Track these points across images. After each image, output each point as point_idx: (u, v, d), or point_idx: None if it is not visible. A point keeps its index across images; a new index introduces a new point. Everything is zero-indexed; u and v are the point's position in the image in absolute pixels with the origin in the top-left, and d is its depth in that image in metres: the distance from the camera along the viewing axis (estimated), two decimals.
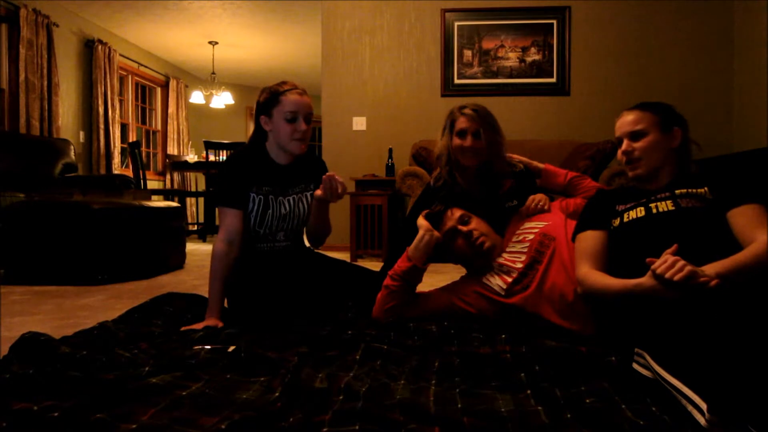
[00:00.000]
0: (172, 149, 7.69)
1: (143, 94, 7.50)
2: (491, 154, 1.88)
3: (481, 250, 1.70)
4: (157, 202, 3.58)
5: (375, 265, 2.24)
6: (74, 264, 2.89)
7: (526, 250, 1.65)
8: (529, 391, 1.09)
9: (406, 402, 1.03)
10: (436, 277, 2.41)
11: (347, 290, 1.92)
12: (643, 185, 1.54)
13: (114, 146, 6.18)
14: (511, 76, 4.69)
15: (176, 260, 3.54)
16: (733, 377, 0.87)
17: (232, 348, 1.36)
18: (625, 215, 1.46)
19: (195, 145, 8.04)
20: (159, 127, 7.78)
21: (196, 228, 6.91)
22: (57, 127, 5.29)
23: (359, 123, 4.81)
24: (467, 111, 1.88)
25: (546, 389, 1.09)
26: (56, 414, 0.95)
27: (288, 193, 1.91)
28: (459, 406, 1.02)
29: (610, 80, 4.59)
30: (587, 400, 1.04)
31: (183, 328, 1.66)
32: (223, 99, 7.59)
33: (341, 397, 1.06)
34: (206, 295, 1.87)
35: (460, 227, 1.72)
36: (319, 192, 1.84)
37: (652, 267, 1.14)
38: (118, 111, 6.35)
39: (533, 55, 4.66)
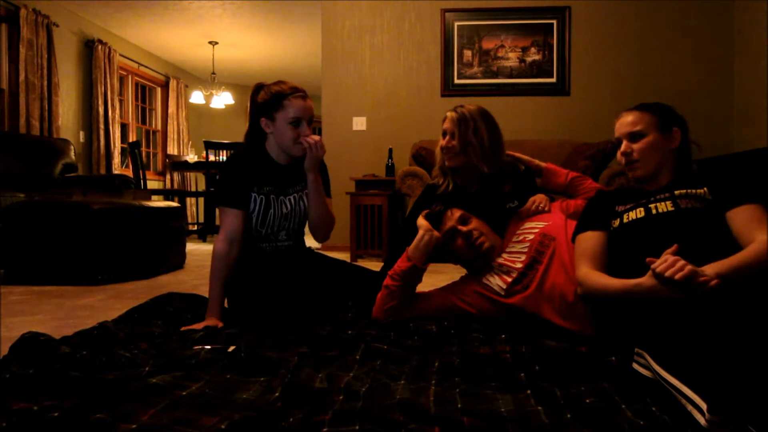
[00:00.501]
0: (172, 149, 7.69)
1: (143, 94, 7.50)
2: (468, 155, 1.87)
3: (480, 251, 1.70)
4: (157, 202, 3.58)
5: (375, 265, 2.24)
6: (74, 264, 2.89)
7: (526, 250, 1.65)
8: (529, 391, 1.09)
9: (406, 402, 1.03)
10: (436, 277, 2.41)
11: (347, 290, 1.92)
12: (643, 186, 1.54)
13: (114, 146, 6.18)
14: (511, 76, 4.69)
15: (176, 260, 3.54)
16: (733, 377, 0.87)
17: (232, 348, 1.36)
18: (625, 216, 1.46)
19: (195, 145, 8.04)
20: (159, 127, 7.78)
21: (196, 228, 6.91)
22: (57, 127, 5.29)
23: (359, 123, 4.81)
24: (449, 113, 1.92)
25: (546, 389, 1.09)
26: (56, 414, 0.95)
27: (289, 192, 1.91)
28: (459, 406, 1.02)
29: (609, 80, 4.59)
30: (587, 400, 1.04)
31: (183, 328, 1.66)
32: (223, 99, 7.59)
33: (341, 397, 1.06)
34: (206, 295, 1.87)
35: (459, 227, 1.72)
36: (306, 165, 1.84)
37: (653, 266, 1.14)
38: (118, 111, 6.35)
39: (533, 55, 4.67)
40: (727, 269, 1.16)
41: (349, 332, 1.55)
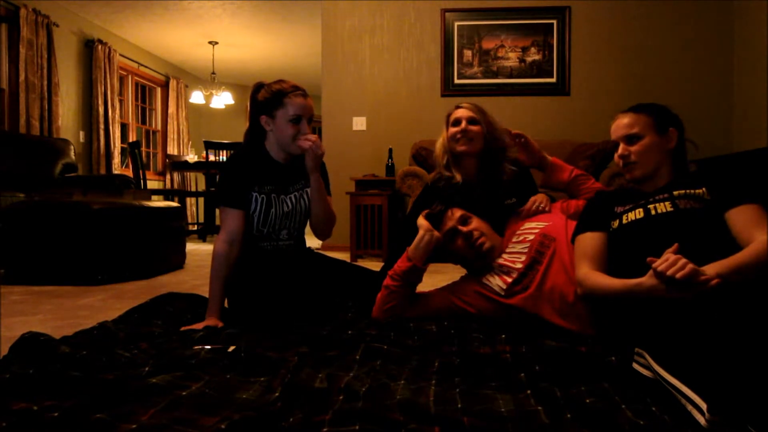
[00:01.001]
0: (172, 149, 7.69)
1: (143, 94, 7.50)
2: (489, 140, 1.95)
3: (480, 251, 1.70)
4: (157, 202, 3.58)
5: (375, 265, 2.24)
6: (74, 264, 2.89)
7: (526, 250, 1.65)
8: (529, 391, 1.09)
9: (406, 402, 1.03)
10: (436, 277, 2.41)
11: (347, 290, 1.92)
12: (641, 187, 1.54)
13: (114, 146, 6.18)
14: (511, 76, 4.69)
15: (176, 260, 3.54)
16: (733, 377, 0.87)
17: (232, 348, 1.36)
18: (624, 217, 1.46)
19: (195, 145, 8.04)
20: (159, 127, 7.78)
21: (196, 228, 6.91)
22: (57, 127, 5.29)
23: (359, 123, 4.81)
24: (463, 104, 2.01)
25: (546, 389, 1.09)
26: (56, 414, 0.95)
27: (289, 191, 1.92)
28: (459, 406, 1.02)
29: (610, 80, 4.59)
30: (587, 400, 1.03)
31: (183, 328, 1.66)
32: (223, 99, 7.59)
33: (341, 397, 1.06)
34: (206, 295, 1.87)
35: (460, 227, 1.72)
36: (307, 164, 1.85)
37: (654, 265, 1.14)
38: (118, 111, 6.35)
39: (533, 55, 4.67)
40: (727, 269, 1.16)
41: (349, 332, 1.55)
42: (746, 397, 0.85)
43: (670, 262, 1.11)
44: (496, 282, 1.67)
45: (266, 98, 1.83)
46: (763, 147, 3.85)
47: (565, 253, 1.58)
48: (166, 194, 6.48)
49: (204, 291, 1.97)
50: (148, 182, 6.65)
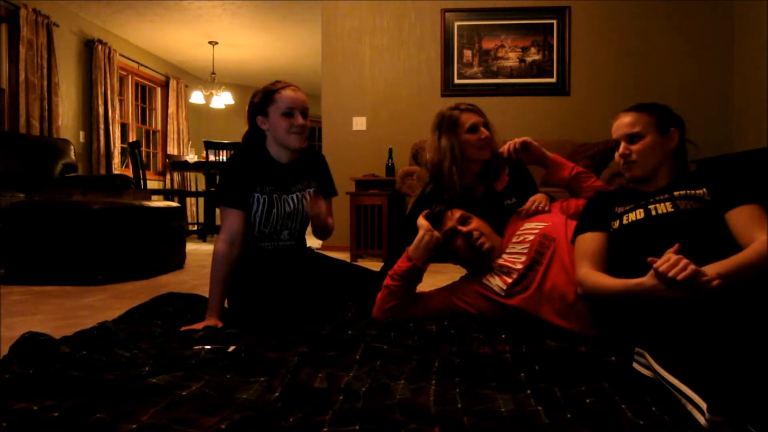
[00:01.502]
0: (172, 149, 7.69)
1: (143, 94, 7.50)
2: (493, 144, 1.91)
3: (480, 251, 1.70)
4: (157, 202, 3.58)
5: (375, 265, 2.24)
6: (74, 264, 2.89)
7: (526, 251, 1.65)
8: (529, 391, 1.09)
9: (406, 402, 1.03)
10: (436, 277, 2.41)
11: (347, 290, 1.92)
12: (642, 187, 1.54)
13: (114, 146, 6.18)
14: (511, 76, 4.69)
15: (176, 260, 3.54)
16: (734, 377, 0.87)
17: (232, 348, 1.36)
18: (625, 217, 1.46)
19: (195, 145, 8.04)
20: (159, 127, 7.78)
21: (196, 228, 6.91)
22: (57, 127, 5.29)
23: (359, 123, 4.81)
24: (468, 107, 1.90)
25: (546, 389, 1.09)
26: (56, 414, 0.95)
27: (291, 191, 1.92)
28: (459, 406, 1.02)
29: (610, 80, 4.59)
30: (587, 400, 1.04)
31: (183, 328, 1.66)
32: (223, 99, 7.59)
33: (341, 397, 1.06)
34: (206, 295, 1.87)
35: (460, 227, 1.72)
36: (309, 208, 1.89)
37: (655, 266, 1.13)
38: (118, 111, 6.35)
39: (533, 55, 4.67)
40: (727, 269, 1.16)
41: (349, 332, 1.55)
42: (746, 397, 0.85)
43: (671, 263, 1.11)
44: (496, 282, 1.67)
45: (260, 98, 1.86)
46: (763, 147, 3.85)
47: (564, 253, 1.58)
48: (166, 194, 6.48)
49: (204, 291, 1.97)
50: (148, 182, 6.65)
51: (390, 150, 4.56)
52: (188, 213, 7.65)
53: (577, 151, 4.15)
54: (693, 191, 1.41)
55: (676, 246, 1.15)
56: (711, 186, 1.40)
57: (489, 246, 1.70)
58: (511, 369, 1.22)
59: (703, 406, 0.87)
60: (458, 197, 1.84)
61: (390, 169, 4.51)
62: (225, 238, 1.79)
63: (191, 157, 6.69)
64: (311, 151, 2.02)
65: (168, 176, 7.63)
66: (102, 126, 6.04)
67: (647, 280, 1.17)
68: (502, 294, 1.64)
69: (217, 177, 6.06)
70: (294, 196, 1.92)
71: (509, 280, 1.64)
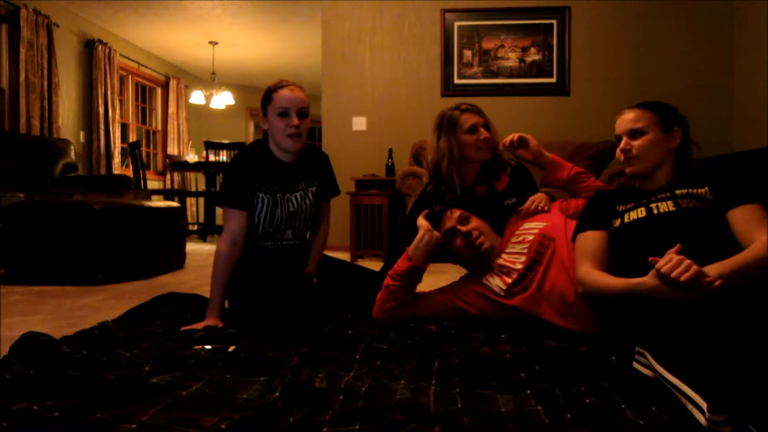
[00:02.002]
0: (172, 149, 7.69)
1: (143, 94, 7.49)
2: (495, 145, 1.90)
3: (480, 251, 1.70)
4: (157, 202, 3.58)
5: (375, 265, 2.24)
6: (74, 264, 2.89)
7: (525, 251, 1.65)
8: (529, 391, 1.09)
9: (406, 402, 1.03)
10: (436, 277, 2.41)
11: (347, 290, 1.92)
12: (641, 185, 1.54)
13: (114, 146, 6.18)
14: (511, 76, 4.69)
15: (176, 260, 3.54)
16: (734, 377, 0.87)
17: (232, 348, 1.36)
18: (626, 216, 1.46)
19: (195, 145, 8.04)
20: (159, 127, 7.78)
21: (196, 228, 6.91)
22: (57, 127, 5.29)
23: (359, 123, 4.81)
24: (468, 107, 1.89)
25: (546, 389, 1.09)
26: (56, 414, 0.95)
27: (294, 190, 1.91)
28: (459, 406, 1.02)
29: (610, 80, 4.59)
30: (587, 400, 1.04)
31: (183, 328, 1.66)
32: (223, 99, 7.59)
33: (341, 397, 1.06)
34: (206, 295, 1.87)
35: (459, 227, 1.72)
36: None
37: (657, 266, 1.13)
38: (118, 111, 6.35)
39: (533, 55, 4.66)
40: (728, 269, 1.16)
41: (349, 332, 1.55)
42: (747, 397, 0.85)
43: (673, 263, 1.10)
44: (496, 282, 1.67)
45: (262, 99, 1.85)
46: (763, 147, 3.85)
47: (564, 253, 1.58)
48: (166, 194, 6.48)
49: (204, 291, 1.97)
50: (148, 182, 6.65)
51: (390, 150, 4.56)
52: (188, 213, 7.65)
53: (577, 151, 4.15)
54: (695, 190, 1.41)
55: (678, 246, 1.15)
56: (713, 185, 1.40)
57: (488, 246, 1.70)
58: (511, 369, 1.22)
59: (704, 405, 0.87)
60: (458, 197, 1.83)
61: (390, 169, 4.51)
62: (227, 239, 1.79)
63: (191, 157, 6.69)
64: (314, 150, 2.01)
65: (168, 176, 7.62)
66: (102, 126, 6.04)
67: (648, 279, 1.17)
68: (502, 294, 1.64)
69: (219, 177, 6.08)
70: (297, 195, 1.91)
71: (509, 280, 1.64)
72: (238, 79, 8.54)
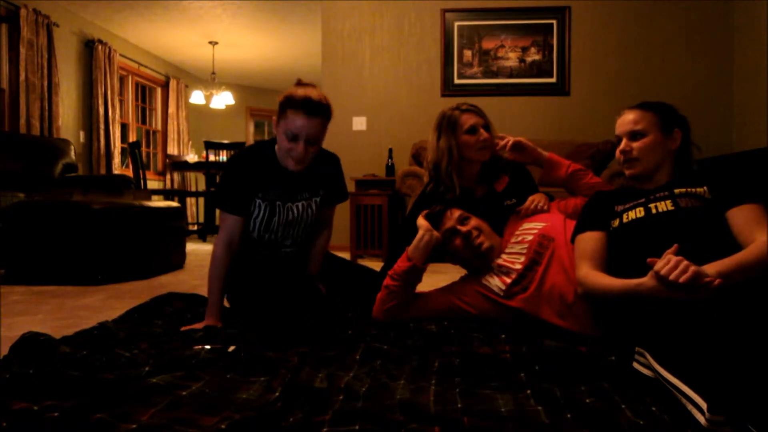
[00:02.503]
0: (172, 149, 7.69)
1: (143, 94, 7.50)
2: (495, 146, 1.89)
3: (480, 251, 1.70)
4: (157, 202, 3.58)
5: (375, 265, 2.24)
6: (74, 264, 2.89)
7: (525, 251, 1.65)
8: (529, 391, 1.09)
9: (406, 402, 1.03)
10: (436, 277, 2.41)
11: (347, 290, 1.92)
12: (641, 185, 1.54)
13: (114, 146, 6.18)
14: (511, 76, 4.69)
15: (176, 260, 3.54)
16: (734, 377, 0.87)
17: (232, 348, 1.36)
18: (624, 216, 1.46)
19: (195, 145, 8.04)
20: (159, 127, 7.78)
21: (196, 228, 6.91)
22: (57, 127, 5.29)
23: (359, 123, 4.81)
24: (469, 107, 1.89)
25: (546, 389, 1.09)
26: (56, 414, 0.95)
27: (297, 199, 1.84)
28: (459, 406, 1.02)
29: (610, 80, 4.59)
30: (587, 400, 1.04)
31: (183, 328, 1.66)
32: (223, 99, 7.59)
33: (341, 397, 1.06)
34: (206, 295, 1.86)
35: (459, 227, 1.72)
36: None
37: (655, 268, 1.13)
38: (118, 111, 6.35)
39: (533, 55, 4.66)
40: (728, 268, 1.16)
41: (349, 332, 1.55)
42: (746, 397, 0.85)
43: (671, 265, 1.10)
44: (496, 283, 1.67)
45: (280, 102, 1.71)
46: (763, 147, 3.85)
47: (563, 253, 1.58)
48: (166, 194, 6.48)
49: (204, 291, 1.97)
50: (148, 182, 6.65)
51: (390, 150, 4.56)
52: (188, 213, 7.65)
53: (577, 151, 4.15)
54: (693, 189, 1.41)
55: (675, 246, 1.14)
56: (712, 184, 1.40)
57: (488, 246, 1.70)
58: (511, 369, 1.22)
59: (704, 405, 0.87)
60: (457, 197, 1.83)
61: (390, 169, 4.51)
62: (224, 241, 1.75)
63: (191, 157, 6.69)
64: (324, 154, 1.90)
65: (168, 176, 7.62)
66: (102, 126, 6.04)
67: (647, 280, 1.17)
68: (501, 294, 1.64)
69: (218, 177, 6.07)
70: (299, 204, 1.84)
71: (508, 281, 1.64)
72: (238, 79, 8.54)
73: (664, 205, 1.39)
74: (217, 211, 5.97)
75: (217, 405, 1.03)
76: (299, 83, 1.76)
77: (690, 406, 0.92)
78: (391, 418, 0.95)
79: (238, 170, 1.78)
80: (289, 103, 1.67)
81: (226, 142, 6.39)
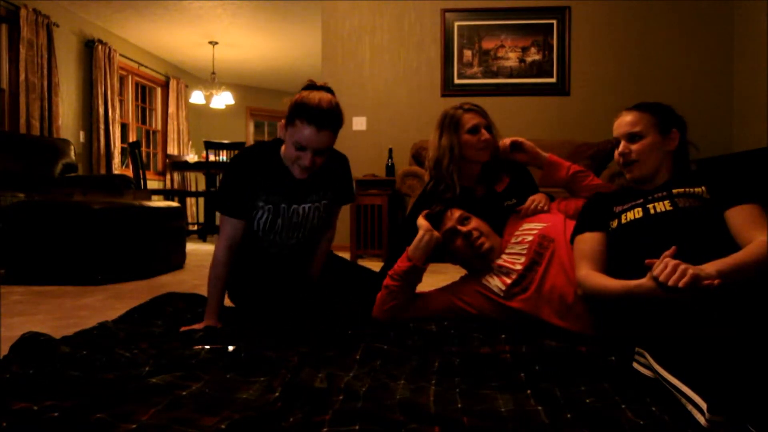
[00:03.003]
0: (172, 149, 7.69)
1: (143, 94, 7.49)
2: (496, 147, 1.89)
3: (480, 251, 1.70)
4: (157, 202, 3.58)
5: (375, 265, 2.24)
6: (74, 264, 2.89)
7: (525, 251, 1.65)
8: (529, 391, 1.09)
9: (406, 402, 1.03)
10: (436, 277, 2.41)
11: (347, 290, 1.91)
12: (640, 185, 1.54)
13: (114, 146, 6.18)
14: (511, 76, 4.68)
15: (176, 260, 3.54)
16: (733, 377, 0.87)
17: (232, 348, 1.36)
18: (623, 216, 1.46)
19: (195, 145, 8.04)
20: (159, 127, 7.78)
21: (196, 228, 6.91)
22: (57, 127, 5.29)
23: (359, 123, 4.81)
24: (472, 107, 1.89)
25: (546, 389, 1.09)
26: (56, 414, 0.95)
27: (302, 202, 1.79)
28: (459, 406, 1.02)
29: (610, 80, 4.59)
30: (587, 400, 1.04)
31: (183, 328, 1.65)
32: (223, 99, 7.59)
33: (341, 397, 1.06)
34: (206, 295, 1.86)
35: (459, 227, 1.72)
36: None
37: (653, 273, 1.12)
38: (118, 111, 6.35)
39: (533, 55, 4.66)
40: (727, 268, 1.16)
41: (349, 332, 1.55)
42: (746, 397, 0.85)
43: (669, 270, 1.09)
44: (496, 283, 1.67)
45: (290, 107, 1.63)
46: (763, 147, 3.85)
47: (564, 253, 1.58)
48: (166, 194, 6.47)
49: (204, 291, 1.96)
50: (148, 182, 6.64)
51: (390, 150, 4.56)
52: (188, 213, 7.65)
53: (577, 151, 4.15)
54: (692, 189, 1.41)
55: (673, 249, 1.13)
56: (710, 184, 1.40)
57: (488, 246, 1.70)
58: (511, 369, 1.22)
59: (703, 406, 0.87)
60: (457, 196, 1.84)
61: (390, 169, 4.51)
62: (225, 244, 1.71)
63: (191, 157, 6.69)
64: (333, 154, 1.83)
65: (168, 176, 7.62)
66: (102, 126, 6.04)
67: (646, 282, 1.17)
68: (502, 295, 1.64)
69: (218, 177, 6.08)
70: (306, 206, 1.79)
71: (508, 281, 1.64)
72: (238, 79, 8.54)
73: (663, 206, 1.39)
74: (218, 213, 5.96)
75: (217, 405, 1.03)
76: (312, 86, 1.69)
77: (690, 407, 0.92)
78: (391, 418, 0.95)
79: (241, 172, 1.74)
80: (300, 112, 1.59)
81: (226, 142, 6.39)
